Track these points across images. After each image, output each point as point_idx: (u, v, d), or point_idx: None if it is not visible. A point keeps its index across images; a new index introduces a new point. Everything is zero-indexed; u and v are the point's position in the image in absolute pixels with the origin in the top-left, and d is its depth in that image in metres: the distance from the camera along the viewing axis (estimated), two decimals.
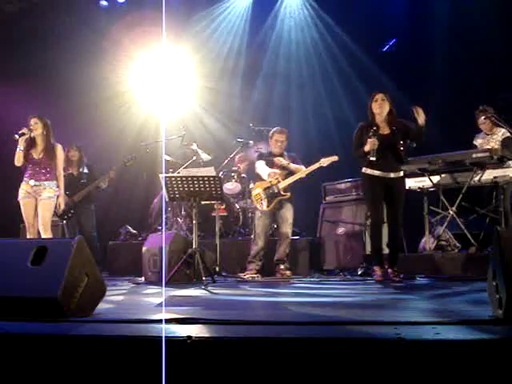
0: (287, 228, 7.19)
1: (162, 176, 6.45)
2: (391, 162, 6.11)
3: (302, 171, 7.19)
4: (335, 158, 7.05)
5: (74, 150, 8.63)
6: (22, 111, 6.63)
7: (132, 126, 10.23)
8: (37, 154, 6.80)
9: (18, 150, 6.73)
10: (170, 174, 7.05)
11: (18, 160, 6.75)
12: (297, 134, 9.88)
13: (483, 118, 7.23)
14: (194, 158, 8.51)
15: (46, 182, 6.72)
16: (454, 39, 9.03)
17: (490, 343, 2.32)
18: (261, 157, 7.52)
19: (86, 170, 8.67)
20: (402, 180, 6.25)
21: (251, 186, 7.72)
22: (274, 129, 7.51)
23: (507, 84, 8.11)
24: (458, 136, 7.81)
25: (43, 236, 6.54)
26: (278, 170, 7.27)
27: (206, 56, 10.69)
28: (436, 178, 7.12)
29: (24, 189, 6.71)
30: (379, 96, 6.12)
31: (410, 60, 9.27)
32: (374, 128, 6.05)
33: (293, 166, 7.25)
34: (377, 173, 6.10)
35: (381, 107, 6.09)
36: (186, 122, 9.65)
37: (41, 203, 6.67)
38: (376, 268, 6.16)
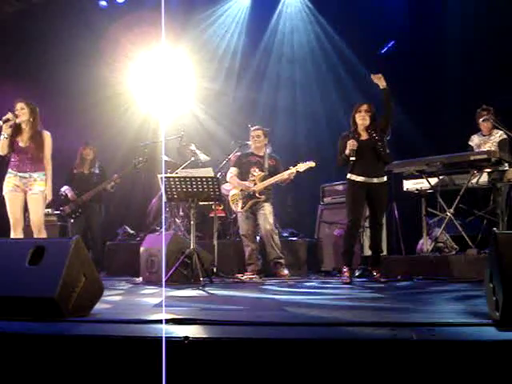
0: (268, 229, 7.13)
1: (160, 176, 6.45)
2: (374, 167, 6.30)
3: (277, 176, 7.20)
4: (312, 164, 7.13)
5: (90, 149, 8.56)
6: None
7: (131, 127, 10.23)
8: (23, 142, 6.24)
9: (1, 137, 6.17)
10: (169, 175, 7.05)
11: (2, 148, 6.17)
12: (300, 135, 9.91)
13: (481, 120, 7.23)
14: (193, 158, 8.53)
15: (35, 174, 6.18)
16: (454, 40, 9.04)
17: (487, 345, 2.33)
18: (238, 161, 7.60)
19: (97, 171, 8.58)
20: (384, 185, 6.39)
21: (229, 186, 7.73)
22: None
23: (507, 86, 8.11)
24: (457, 137, 7.81)
25: (36, 235, 6.13)
26: (257, 172, 7.31)
27: (205, 57, 10.70)
28: (434, 180, 7.13)
29: (11, 182, 6.15)
30: (363, 108, 6.34)
31: (409, 62, 9.27)
32: (353, 132, 6.34)
33: (267, 181, 7.26)
34: (360, 178, 6.27)
35: (363, 119, 6.31)
36: (184, 123, 9.66)
37: (31, 198, 6.15)
38: (345, 269, 6.29)
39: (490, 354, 2.27)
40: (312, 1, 10.73)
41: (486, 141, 7.29)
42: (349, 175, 6.34)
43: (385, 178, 6.35)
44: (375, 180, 6.27)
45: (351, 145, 6.19)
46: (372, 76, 6.28)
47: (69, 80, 9.74)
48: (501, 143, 7.08)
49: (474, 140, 7.43)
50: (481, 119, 7.27)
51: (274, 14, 10.91)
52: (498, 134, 7.20)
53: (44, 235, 6.18)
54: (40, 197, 6.19)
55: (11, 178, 6.17)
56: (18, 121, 6.23)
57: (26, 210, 6.26)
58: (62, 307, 3.11)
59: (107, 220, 8.93)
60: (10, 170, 6.21)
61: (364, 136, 6.33)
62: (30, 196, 6.16)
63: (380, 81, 6.23)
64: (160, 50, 9.72)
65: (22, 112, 6.25)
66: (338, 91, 9.71)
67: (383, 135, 6.31)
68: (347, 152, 6.22)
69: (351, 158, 6.20)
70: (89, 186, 8.38)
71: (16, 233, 6.12)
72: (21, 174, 6.16)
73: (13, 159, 6.22)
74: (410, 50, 9.31)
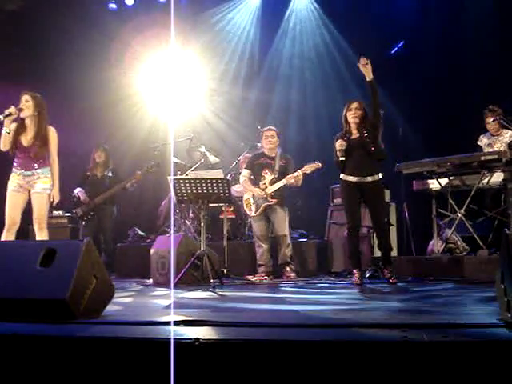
0: (282, 231, 7.20)
1: (170, 178, 6.46)
2: (366, 165, 6.18)
3: (286, 178, 7.19)
4: (318, 165, 7.13)
5: (101, 152, 8.53)
6: None
7: (140, 129, 10.25)
8: (26, 140, 5.90)
9: (3, 132, 5.83)
10: (179, 177, 7.07)
11: (4, 144, 5.85)
12: (309, 136, 9.88)
13: (492, 120, 7.19)
14: (202, 160, 8.54)
15: (39, 171, 5.86)
16: (463, 40, 9.00)
17: (498, 346, 2.32)
18: (250, 162, 7.56)
19: (110, 174, 8.56)
20: (379, 183, 6.26)
21: (239, 188, 7.74)
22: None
23: None
24: (465, 137, 7.78)
25: (38, 235, 5.79)
26: (268, 174, 7.31)
27: (214, 58, 10.71)
28: (444, 181, 7.10)
29: (15, 181, 5.85)
30: (354, 106, 6.25)
31: (417, 61, 9.25)
32: (343, 133, 6.27)
33: (275, 185, 7.25)
34: (354, 178, 6.18)
35: (355, 116, 6.22)
36: (194, 125, 9.68)
37: (34, 196, 5.82)
38: (354, 271, 6.23)
39: (501, 355, 2.26)
40: (321, 1, 10.73)
41: (495, 141, 7.25)
42: (342, 175, 6.25)
43: (379, 176, 6.21)
44: (369, 179, 6.15)
45: (339, 145, 6.14)
46: (361, 59, 6.04)
47: (79, 82, 9.77)
48: (511, 144, 7.03)
49: (483, 140, 7.38)
50: (489, 120, 7.23)
51: (283, 15, 10.88)
52: (508, 135, 7.15)
53: (46, 235, 5.87)
54: (43, 195, 5.86)
55: (15, 177, 5.88)
56: (21, 115, 5.87)
57: (25, 210, 5.96)
58: (73, 309, 3.12)
59: (118, 222, 8.95)
60: (14, 168, 5.92)
61: (355, 134, 6.25)
62: (33, 194, 5.85)
63: (367, 70, 6.02)
64: (169, 52, 9.74)
65: (26, 105, 5.88)
66: (348, 92, 9.67)
67: (375, 131, 6.18)
68: (337, 153, 6.19)
69: (341, 158, 6.13)
70: (101, 189, 8.37)
71: (8, 234, 5.79)
72: (24, 173, 5.87)
73: (17, 157, 5.92)
74: (419, 50, 9.27)
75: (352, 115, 6.23)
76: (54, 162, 6.01)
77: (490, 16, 8.83)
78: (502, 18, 8.68)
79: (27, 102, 5.89)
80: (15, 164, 5.93)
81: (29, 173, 5.88)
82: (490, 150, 7.06)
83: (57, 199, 6.02)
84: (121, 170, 8.93)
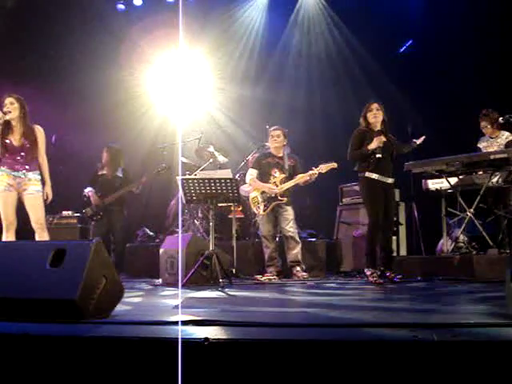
0: (290, 230, 7.18)
1: (178, 178, 6.47)
2: (390, 167, 6.44)
3: (300, 177, 7.20)
4: (334, 165, 7.11)
5: (105, 151, 8.49)
6: (38, 113, 6.38)
7: (149, 129, 10.29)
8: (16, 140, 5.92)
9: None
10: (187, 177, 7.07)
11: None
12: (317, 136, 9.88)
13: (484, 122, 7.26)
14: (211, 160, 8.54)
15: (29, 174, 5.92)
16: (468, 40, 8.97)
17: (508, 345, 2.31)
18: (257, 162, 7.55)
19: (120, 175, 8.51)
20: (394, 186, 6.57)
21: (248, 188, 7.72)
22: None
23: None
24: (470, 138, 7.76)
25: (40, 237, 5.83)
26: (278, 173, 7.29)
27: (223, 58, 10.72)
28: (454, 180, 7.07)
29: (4, 181, 5.84)
30: (374, 106, 6.40)
31: (423, 62, 9.23)
32: (370, 130, 6.39)
33: (289, 183, 7.25)
34: (380, 178, 6.32)
35: (376, 117, 6.37)
36: (202, 125, 9.69)
37: (28, 198, 5.88)
38: (372, 270, 6.27)
39: (510, 355, 2.25)
40: (328, 1, 10.73)
41: (492, 143, 7.27)
42: (368, 173, 6.30)
43: (393, 180, 6.47)
44: (389, 180, 6.38)
45: (380, 142, 6.21)
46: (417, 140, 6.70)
47: (87, 82, 9.81)
48: (508, 144, 7.07)
49: (482, 143, 7.43)
50: (483, 124, 7.30)
51: (291, 14, 10.90)
52: (505, 136, 7.21)
53: (47, 236, 5.93)
54: (37, 196, 5.93)
55: (4, 177, 5.88)
56: (7, 117, 5.90)
57: (17, 210, 5.97)
58: (83, 309, 3.13)
59: (127, 222, 8.96)
60: (2, 168, 5.91)
61: (383, 137, 6.33)
62: (27, 196, 5.90)
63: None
64: (178, 52, 9.76)
65: (12, 107, 5.93)
66: (355, 91, 9.66)
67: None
68: (372, 146, 6.21)
69: (377, 155, 6.21)
70: (111, 190, 8.35)
71: (8, 234, 5.84)
72: (14, 174, 5.89)
73: (5, 158, 5.92)
74: (426, 50, 9.25)
75: (373, 115, 6.36)
76: (43, 161, 6.09)
77: (494, 17, 8.79)
78: (507, 18, 8.64)
79: (12, 105, 5.94)
80: (2, 163, 5.93)
81: (20, 174, 5.92)
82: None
83: (50, 197, 6.10)
84: (130, 170, 8.93)
